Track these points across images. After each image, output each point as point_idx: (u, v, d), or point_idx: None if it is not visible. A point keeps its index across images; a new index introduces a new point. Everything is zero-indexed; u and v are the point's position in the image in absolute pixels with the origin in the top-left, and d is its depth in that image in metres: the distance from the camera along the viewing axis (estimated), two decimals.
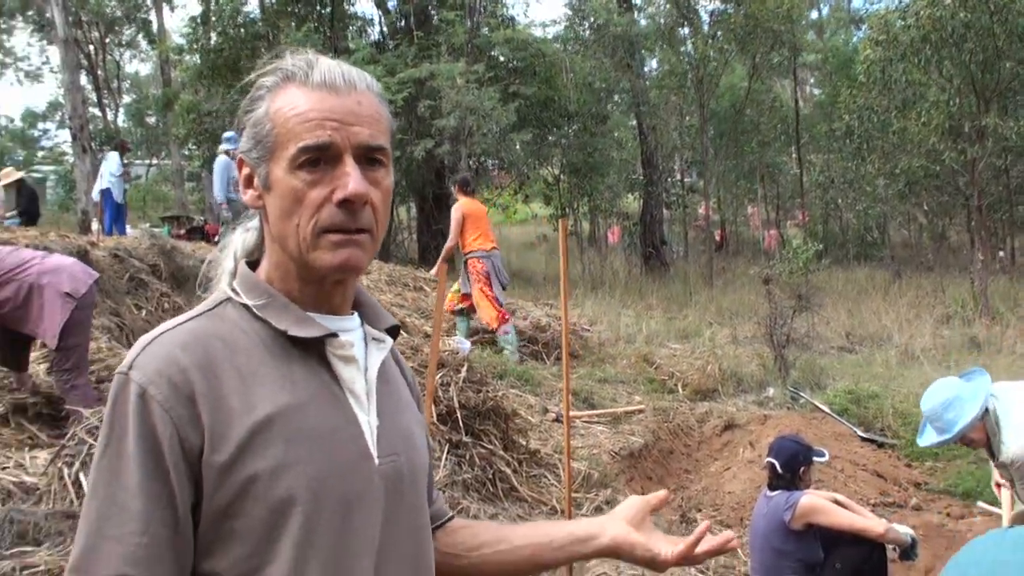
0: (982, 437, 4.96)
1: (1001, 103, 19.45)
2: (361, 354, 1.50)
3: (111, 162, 15.89)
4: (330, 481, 1.33)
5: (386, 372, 1.57)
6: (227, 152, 13.78)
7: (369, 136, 1.42)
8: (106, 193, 15.71)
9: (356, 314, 1.56)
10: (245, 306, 1.44)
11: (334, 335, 1.44)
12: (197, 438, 1.30)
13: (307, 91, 1.41)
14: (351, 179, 1.38)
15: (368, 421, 1.46)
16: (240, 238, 1.57)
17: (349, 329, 1.51)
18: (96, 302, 6.61)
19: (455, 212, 11.03)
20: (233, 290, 1.47)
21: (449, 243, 10.99)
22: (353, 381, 1.46)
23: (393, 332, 1.60)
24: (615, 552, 1.64)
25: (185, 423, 1.30)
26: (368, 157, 1.42)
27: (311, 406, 1.39)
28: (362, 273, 1.50)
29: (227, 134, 14.44)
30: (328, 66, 1.44)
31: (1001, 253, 23.95)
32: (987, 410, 4.90)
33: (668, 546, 1.65)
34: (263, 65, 1.50)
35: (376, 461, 1.44)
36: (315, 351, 1.44)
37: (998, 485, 5.52)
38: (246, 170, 1.47)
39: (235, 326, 1.42)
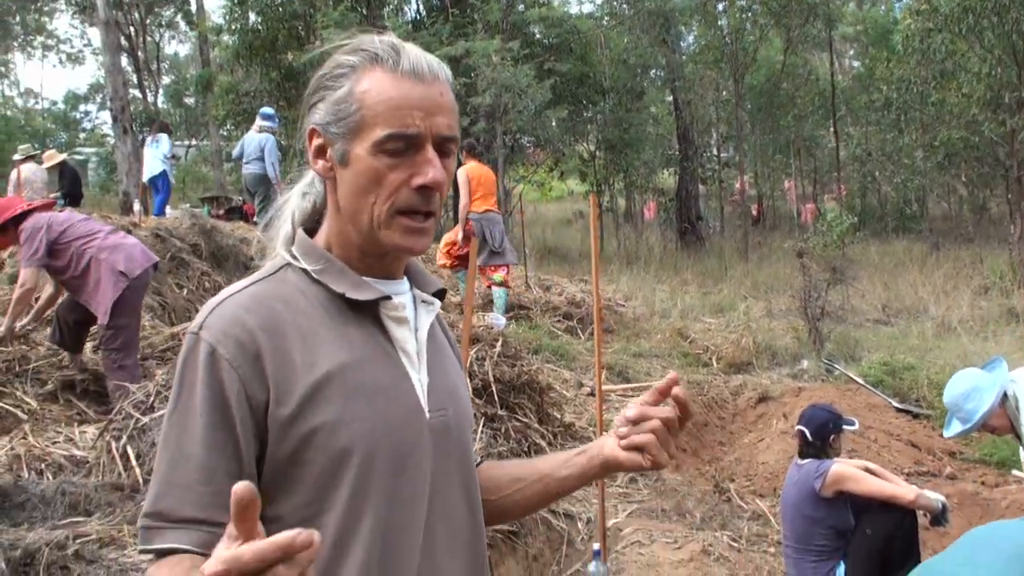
0: (1005, 423, 5.05)
1: None
2: (411, 316, 1.61)
3: (164, 145, 16.00)
4: (385, 434, 1.43)
5: (434, 332, 1.67)
6: (271, 130, 13.87)
7: (447, 127, 1.51)
8: (162, 176, 15.84)
9: (406, 278, 1.66)
10: (304, 270, 1.54)
11: (388, 298, 1.55)
12: (263, 393, 1.40)
13: (396, 78, 1.48)
14: (432, 168, 1.48)
15: (419, 379, 1.56)
16: (298, 203, 1.66)
17: (401, 292, 1.61)
18: (149, 284, 6.73)
19: (461, 175, 11.07)
20: (292, 255, 1.56)
21: (463, 203, 11.06)
22: (405, 341, 1.57)
23: (440, 295, 1.69)
24: (615, 463, 1.64)
25: (251, 379, 1.40)
26: (442, 146, 1.51)
27: (367, 364, 1.49)
28: (423, 253, 1.62)
29: (265, 110, 14.48)
30: (415, 54, 1.51)
31: (1018, 224, 23.66)
32: (1006, 396, 4.99)
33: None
34: (338, 41, 1.57)
35: (427, 415, 1.55)
36: (370, 313, 1.54)
37: None
38: (319, 141, 1.54)
39: (295, 289, 1.52)
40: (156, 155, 15.78)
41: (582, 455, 1.70)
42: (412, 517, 1.49)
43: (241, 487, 1.00)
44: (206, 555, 1.32)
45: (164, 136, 16.21)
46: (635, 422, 1.57)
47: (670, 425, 1.55)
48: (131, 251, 6.32)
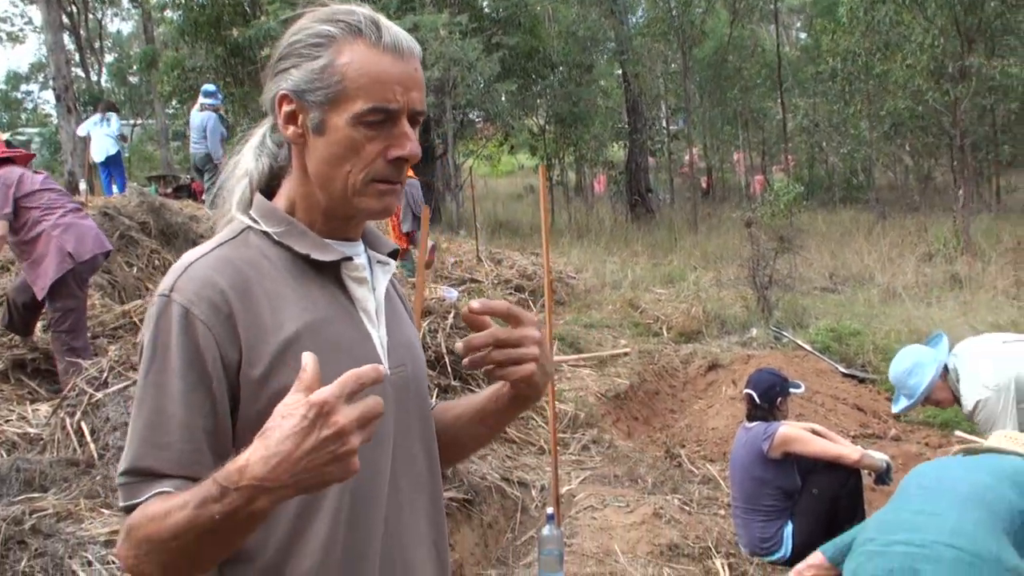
0: (948, 396, 5.26)
1: (987, 44, 19.48)
2: (369, 276, 1.65)
3: (114, 124, 15.77)
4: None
5: (388, 292, 1.71)
6: (213, 108, 13.74)
7: (420, 102, 1.56)
8: (116, 157, 15.62)
9: (361, 240, 1.69)
10: (265, 233, 1.57)
11: (349, 259, 1.59)
12: (235, 353, 1.44)
13: (378, 53, 1.52)
14: (409, 142, 1.54)
15: (379, 336, 1.62)
16: (253, 165, 1.68)
17: (358, 254, 1.65)
18: (97, 270, 6.65)
19: None
20: (252, 219, 1.59)
21: None
22: (366, 300, 1.62)
23: (393, 255, 1.74)
24: (509, 392, 1.70)
25: (224, 340, 1.44)
26: (413, 119, 1.56)
27: (331, 323, 1.54)
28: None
29: (207, 87, 14.32)
30: (395, 30, 1.55)
31: (960, 192, 24.09)
32: (947, 370, 5.16)
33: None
34: (311, 8, 1.59)
35: (388, 372, 1.59)
36: (331, 274, 1.59)
37: None
38: (290, 107, 1.56)
39: (258, 252, 1.55)
40: (109, 134, 15.57)
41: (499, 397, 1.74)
42: (378, 469, 1.54)
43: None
44: None
45: (113, 115, 15.99)
46: (467, 354, 1.58)
47: (501, 341, 1.57)
48: (84, 234, 6.24)
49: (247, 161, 1.68)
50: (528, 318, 1.60)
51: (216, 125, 13.51)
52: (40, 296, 6.08)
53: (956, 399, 5.24)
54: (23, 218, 6.13)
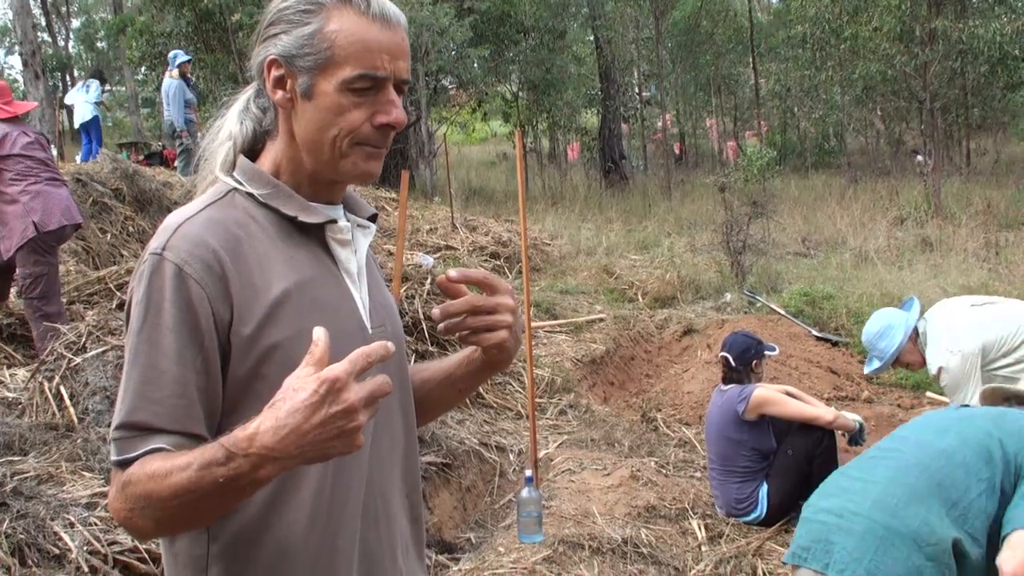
0: (918, 359, 5.36)
1: (957, 5, 19.51)
2: (351, 238, 1.69)
3: (94, 90, 15.65)
4: (337, 348, 1.47)
5: (368, 254, 1.76)
6: (180, 66, 13.54)
7: (406, 71, 1.60)
8: (94, 122, 15.52)
9: (342, 205, 1.73)
10: (250, 195, 1.61)
11: (334, 221, 1.64)
12: (227, 312, 1.47)
13: (367, 21, 1.56)
14: (395, 109, 1.58)
15: (360, 297, 1.67)
16: (236, 128, 1.70)
17: (341, 217, 1.69)
18: (65, 240, 6.61)
19: None
20: (237, 181, 1.62)
21: None
22: (348, 262, 1.67)
23: (373, 219, 1.78)
24: (479, 355, 1.78)
25: (217, 299, 1.47)
26: (399, 87, 1.61)
27: (316, 283, 1.59)
28: None
29: (174, 53, 14.17)
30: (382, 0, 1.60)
31: (919, 157, 24.25)
32: (918, 333, 5.25)
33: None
34: None
35: (370, 331, 1.65)
36: (315, 236, 1.63)
37: None
38: (278, 72, 1.59)
39: (245, 213, 1.58)
40: (88, 100, 15.46)
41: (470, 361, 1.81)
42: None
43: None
44: None
45: (95, 82, 15.92)
46: (443, 319, 1.65)
47: (476, 308, 1.65)
48: (53, 205, 6.21)
49: (231, 124, 1.71)
50: (503, 286, 1.67)
51: (177, 92, 13.34)
52: (5, 257, 6.09)
53: (924, 364, 5.34)
54: (2, 181, 6.11)
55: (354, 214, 1.74)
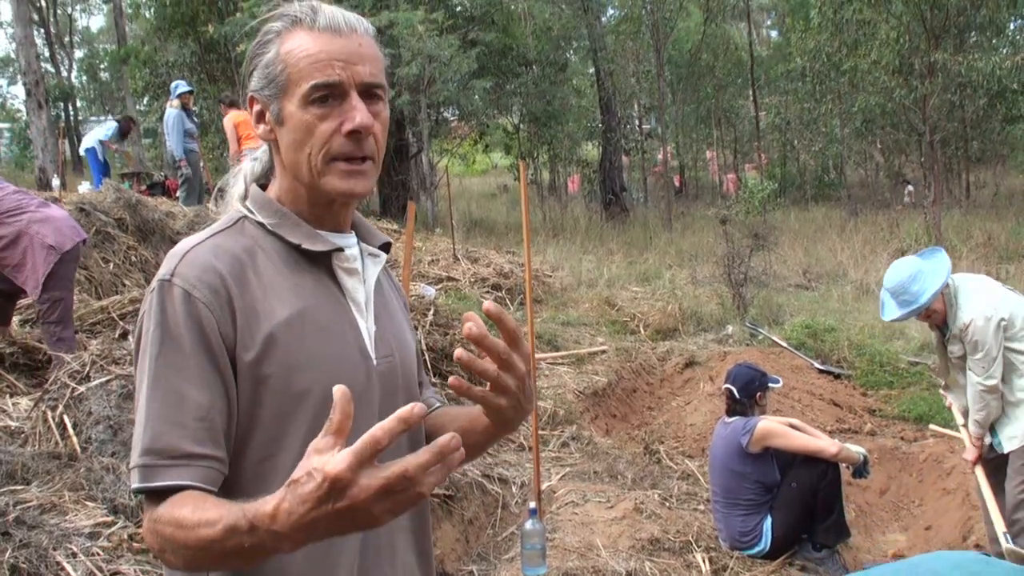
0: (942, 308, 5.10)
1: (956, 40, 19.64)
2: (360, 267, 1.70)
3: (107, 129, 15.84)
4: (337, 377, 1.47)
5: (380, 283, 1.76)
6: (180, 96, 13.60)
7: (370, 74, 1.59)
8: (90, 152, 15.64)
9: (353, 233, 1.74)
10: (259, 223, 1.63)
11: (340, 249, 1.64)
12: (232, 335, 1.49)
13: (315, 34, 1.57)
14: (358, 112, 1.56)
15: (366, 326, 1.67)
16: (248, 166, 1.75)
17: (350, 245, 1.70)
18: (79, 258, 6.64)
19: (227, 124, 12.46)
20: (248, 209, 1.65)
21: (232, 150, 12.34)
22: (355, 291, 1.67)
23: (385, 248, 1.78)
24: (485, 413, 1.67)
25: (224, 323, 1.48)
26: (369, 93, 1.60)
27: (320, 311, 1.59)
28: (366, 196, 1.70)
29: (175, 84, 14.23)
30: (331, 11, 1.60)
31: (909, 187, 24.32)
32: (947, 284, 5.10)
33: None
34: (265, 13, 1.66)
35: (374, 361, 1.65)
36: (322, 264, 1.64)
37: (949, 406, 5.74)
38: (257, 107, 1.64)
39: (253, 240, 1.60)
40: (99, 135, 15.64)
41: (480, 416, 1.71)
42: None
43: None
44: (210, 490, 1.41)
45: (115, 125, 16.00)
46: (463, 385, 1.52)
47: (499, 359, 1.52)
48: (60, 225, 6.24)
49: (246, 164, 1.77)
50: (524, 350, 1.55)
51: (177, 122, 13.36)
52: (35, 295, 6.08)
53: (946, 318, 5.15)
54: None
55: (366, 242, 1.75)
